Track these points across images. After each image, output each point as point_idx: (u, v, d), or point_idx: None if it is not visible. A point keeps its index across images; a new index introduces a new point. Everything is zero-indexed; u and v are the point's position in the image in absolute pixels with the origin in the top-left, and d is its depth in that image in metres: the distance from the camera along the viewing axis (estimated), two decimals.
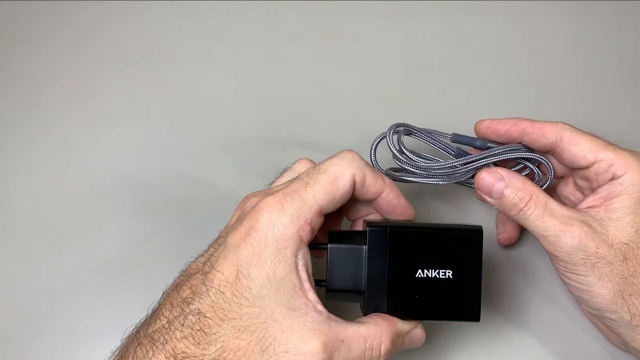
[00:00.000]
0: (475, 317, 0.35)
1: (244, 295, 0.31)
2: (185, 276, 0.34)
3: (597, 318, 0.38)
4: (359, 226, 0.39)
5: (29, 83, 0.52)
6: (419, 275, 0.34)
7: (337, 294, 0.36)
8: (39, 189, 0.47)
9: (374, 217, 0.38)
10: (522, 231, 0.43)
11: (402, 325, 0.35)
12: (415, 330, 0.36)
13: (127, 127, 0.50)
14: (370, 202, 0.37)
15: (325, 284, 0.35)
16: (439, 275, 0.35)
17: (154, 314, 0.33)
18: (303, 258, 0.33)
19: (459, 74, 0.52)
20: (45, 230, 0.45)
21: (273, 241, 0.32)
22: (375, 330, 0.33)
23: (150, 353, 0.31)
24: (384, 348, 0.33)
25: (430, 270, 0.35)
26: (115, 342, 0.34)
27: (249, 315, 0.31)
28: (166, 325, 0.32)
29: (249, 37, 0.54)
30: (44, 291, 0.43)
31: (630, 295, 0.34)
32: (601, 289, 0.35)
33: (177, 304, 0.32)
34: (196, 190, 0.47)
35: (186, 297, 0.32)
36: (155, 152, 0.49)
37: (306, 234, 0.33)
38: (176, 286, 0.34)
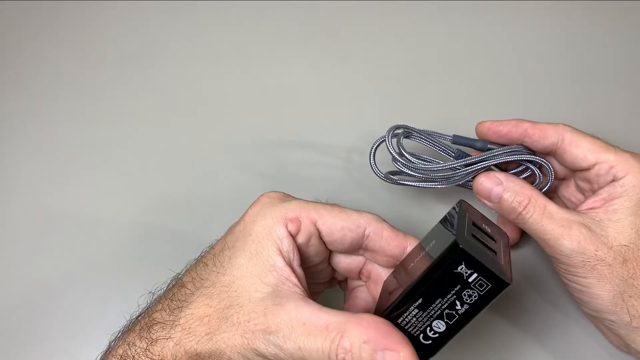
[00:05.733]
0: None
1: (223, 265, 0.32)
2: None
3: (597, 320, 0.38)
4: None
5: (29, 83, 0.52)
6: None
7: None
8: (38, 188, 0.47)
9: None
10: (523, 233, 0.43)
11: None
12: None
13: (128, 127, 0.50)
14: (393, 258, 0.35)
15: None
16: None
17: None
18: (289, 245, 0.32)
19: (460, 75, 0.52)
20: (46, 230, 0.46)
21: (262, 218, 0.32)
22: (339, 320, 0.29)
23: (131, 327, 0.32)
24: (343, 343, 0.28)
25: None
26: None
27: (222, 283, 0.31)
28: (154, 300, 0.33)
29: (250, 37, 0.54)
30: (44, 291, 0.43)
31: (630, 297, 0.34)
32: (601, 291, 0.35)
33: (172, 283, 0.34)
34: (197, 190, 0.47)
35: (178, 274, 0.34)
36: (156, 152, 0.49)
37: (293, 226, 0.32)
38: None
